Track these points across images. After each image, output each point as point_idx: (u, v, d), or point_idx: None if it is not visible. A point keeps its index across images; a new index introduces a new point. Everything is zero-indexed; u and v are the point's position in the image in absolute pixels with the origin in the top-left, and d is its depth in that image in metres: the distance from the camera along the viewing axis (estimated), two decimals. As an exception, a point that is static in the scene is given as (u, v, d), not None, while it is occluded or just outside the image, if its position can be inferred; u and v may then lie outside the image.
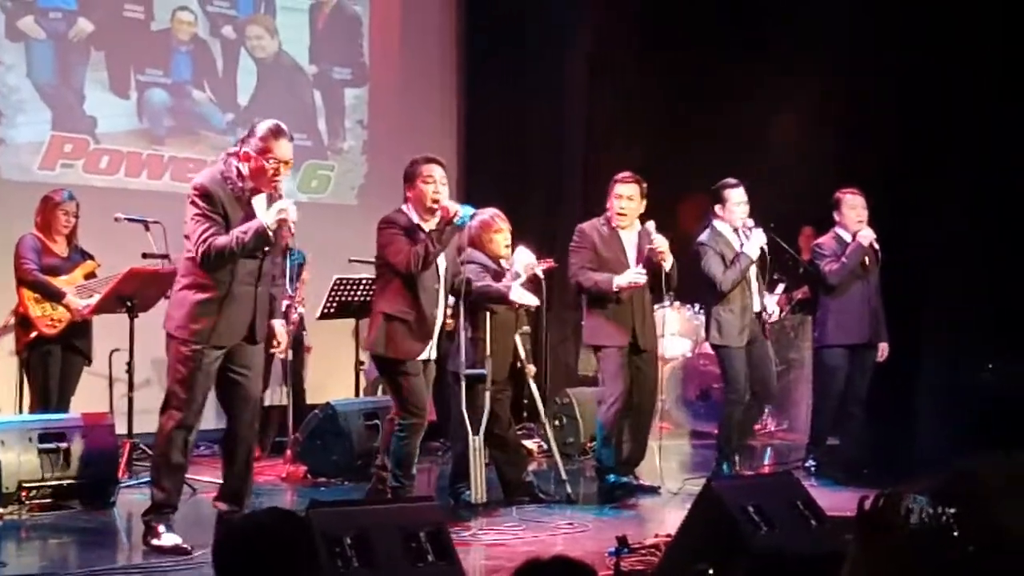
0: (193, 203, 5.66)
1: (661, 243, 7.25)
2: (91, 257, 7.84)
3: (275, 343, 6.21)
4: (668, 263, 7.25)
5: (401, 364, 6.38)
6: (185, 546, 5.69)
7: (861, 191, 8.10)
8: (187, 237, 5.72)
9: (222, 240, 5.55)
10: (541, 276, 7.16)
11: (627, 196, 7.34)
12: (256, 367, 5.93)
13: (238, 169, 5.68)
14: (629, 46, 11.36)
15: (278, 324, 6.20)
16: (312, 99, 10.39)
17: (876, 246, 8.00)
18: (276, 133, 5.68)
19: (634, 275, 7.26)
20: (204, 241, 5.56)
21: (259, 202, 5.74)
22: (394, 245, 6.34)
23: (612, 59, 11.38)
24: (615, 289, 7.24)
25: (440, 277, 6.51)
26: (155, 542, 5.77)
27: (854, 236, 7.99)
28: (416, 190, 6.42)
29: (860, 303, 7.99)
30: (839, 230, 8.07)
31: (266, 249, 5.69)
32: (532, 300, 6.97)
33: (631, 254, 7.37)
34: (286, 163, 5.72)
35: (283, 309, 7.43)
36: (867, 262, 8.02)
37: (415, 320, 6.37)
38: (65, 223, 7.68)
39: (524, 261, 7.09)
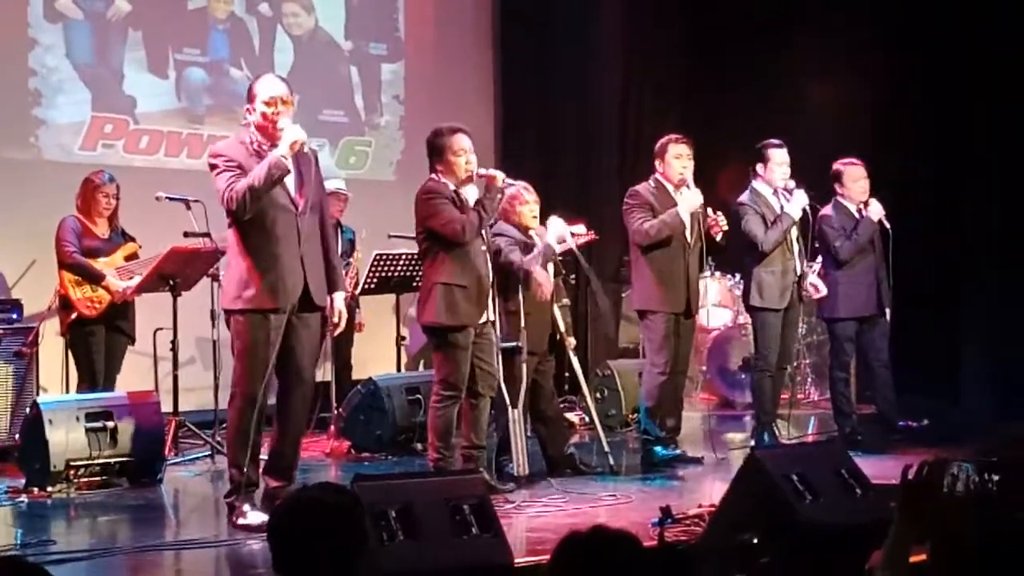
0: (211, 167, 5.77)
1: (722, 218, 7.27)
2: (132, 239, 7.88)
3: (333, 322, 6.02)
4: (720, 235, 7.27)
5: (457, 333, 6.35)
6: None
7: (862, 162, 8.05)
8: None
9: (243, 181, 5.62)
10: (574, 247, 7.14)
11: (687, 155, 7.34)
12: (310, 342, 5.89)
13: (249, 133, 5.79)
14: (663, 13, 11.30)
15: (339, 298, 6.06)
16: (348, 75, 10.39)
17: (887, 223, 7.92)
18: (260, 77, 5.92)
19: (693, 198, 7.23)
20: (228, 188, 5.64)
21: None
22: (442, 215, 6.31)
23: (645, 27, 11.34)
24: (682, 218, 7.19)
25: (485, 241, 6.51)
26: (242, 521, 5.69)
27: (859, 208, 7.95)
28: (447, 163, 6.40)
29: (866, 275, 7.96)
30: (843, 200, 8.01)
31: (298, 209, 5.71)
32: (547, 283, 6.90)
33: (684, 214, 7.33)
34: (283, 101, 5.76)
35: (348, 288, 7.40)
36: (875, 235, 7.99)
37: (472, 286, 6.37)
38: (106, 205, 7.73)
39: (557, 232, 7.06)
